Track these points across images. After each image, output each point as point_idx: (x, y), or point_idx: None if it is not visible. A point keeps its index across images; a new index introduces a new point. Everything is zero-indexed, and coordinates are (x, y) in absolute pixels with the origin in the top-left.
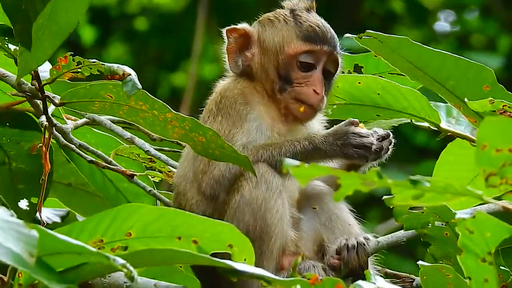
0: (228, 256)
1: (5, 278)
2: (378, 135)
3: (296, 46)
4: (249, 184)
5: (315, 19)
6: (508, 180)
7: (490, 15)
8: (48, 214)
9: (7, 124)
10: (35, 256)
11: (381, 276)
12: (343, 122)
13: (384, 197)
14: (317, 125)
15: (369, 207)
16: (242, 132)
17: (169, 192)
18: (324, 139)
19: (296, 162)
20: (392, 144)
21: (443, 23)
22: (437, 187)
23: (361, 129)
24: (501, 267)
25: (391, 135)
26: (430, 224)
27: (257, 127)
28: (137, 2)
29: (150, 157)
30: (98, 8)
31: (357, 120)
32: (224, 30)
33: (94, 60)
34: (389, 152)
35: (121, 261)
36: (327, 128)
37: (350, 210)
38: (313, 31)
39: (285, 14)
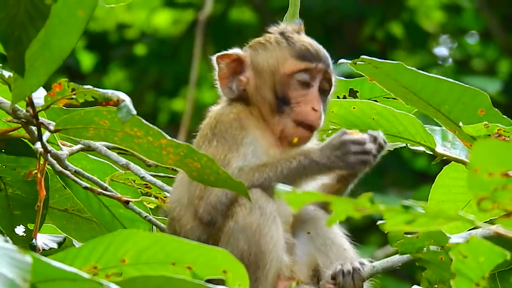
0: (222, 282)
1: None
2: (372, 137)
3: (292, 65)
4: (243, 211)
5: (307, 39)
6: (500, 205)
7: (490, 39)
8: (45, 240)
9: (3, 150)
10: (29, 282)
11: None
12: (335, 134)
13: (379, 222)
14: (311, 145)
15: (369, 232)
16: (238, 156)
17: (165, 218)
18: (320, 152)
19: (288, 188)
20: (386, 141)
21: (443, 48)
22: (430, 212)
23: (356, 135)
24: None
25: (381, 132)
26: (425, 249)
27: (253, 151)
28: (136, 28)
29: (145, 183)
30: (96, 34)
31: (346, 130)
32: (214, 57)
33: (89, 86)
34: (382, 152)
35: (115, 287)
36: None
37: (345, 234)
38: (306, 50)
39: (276, 37)
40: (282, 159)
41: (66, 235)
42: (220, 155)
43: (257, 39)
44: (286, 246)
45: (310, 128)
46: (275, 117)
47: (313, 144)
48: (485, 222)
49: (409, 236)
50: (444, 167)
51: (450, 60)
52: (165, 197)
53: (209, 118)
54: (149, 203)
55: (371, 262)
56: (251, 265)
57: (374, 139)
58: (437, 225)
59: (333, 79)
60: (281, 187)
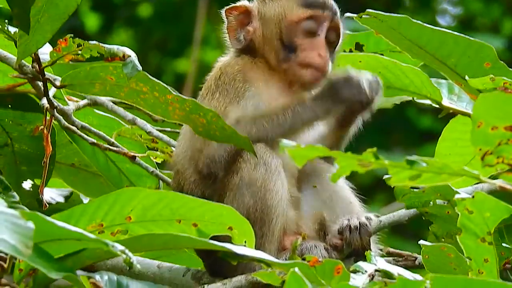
0: (228, 239)
1: (5, 265)
2: (364, 76)
3: (299, 12)
4: (247, 166)
5: None
6: (505, 159)
7: None
8: (52, 194)
9: (9, 106)
10: (31, 248)
11: (382, 255)
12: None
13: (385, 177)
14: None
15: (374, 191)
16: (237, 108)
17: (172, 173)
18: (315, 97)
19: (292, 143)
20: (381, 85)
21: (446, 8)
22: (434, 167)
23: (345, 73)
24: (503, 245)
25: (378, 77)
26: (431, 203)
27: (254, 105)
28: None
29: (152, 137)
30: None
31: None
32: (223, 10)
33: (94, 42)
34: (379, 94)
35: (120, 247)
36: None
37: (351, 188)
38: None
39: None
40: (278, 109)
41: (72, 189)
42: (221, 107)
43: None
44: (292, 200)
45: (317, 69)
46: (282, 64)
47: None
48: (490, 176)
49: (415, 190)
50: (450, 120)
51: (453, 20)
52: (171, 152)
53: (215, 69)
54: (155, 158)
55: (378, 217)
56: (257, 221)
57: (367, 80)
58: (442, 180)
59: (341, 30)
60: (285, 141)
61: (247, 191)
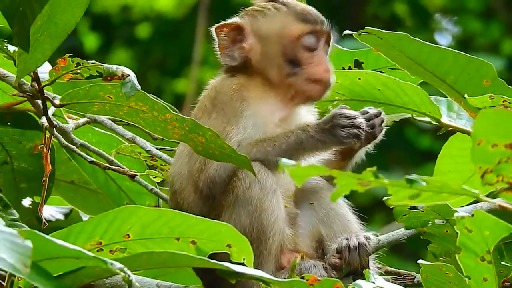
0: (227, 256)
1: (4, 283)
2: (368, 114)
3: (298, 28)
4: (242, 185)
5: (302, 4)
6: (504, 178)
7: (493, 17)
8: (51, 212)
9: (8, 123)
10: (29, 266)
11: (381, 274)
12: (333, 109)
13: (384, 198)
14: (310, 117)
15: (374, 210)
16: (237, 129)
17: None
18: (316, 126)
19: (292, 162)
20: (385, 121)
21: (445, 27)
22: (434, 186)
23: (349, 110)
24: (502, 263)
25: (383, 112)
26: (430, 222)
27: (253, 124)
28: (140, 9)
29: (151, 156)
30: (100, 15)
31: (346, 106)
32: (213, 28)
33: (93, 61)
34: (382, 131)
35: (118, 265)
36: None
37: (349, 206)
38: (308, 13)
39: (272, 3)
40: (280, 134)
41: (72, 206)
42: (219, 128)
43: (251, 7)
44: (289, 217)
45: (324, 84)
46: (286, 80)
47: (311, 112)
48: (489, 194)
49: (414, 210)
50: (449, 138)
51: (452, 40)
52: None
53: (209, 89)
54: (155, 177)
55: (376, 236)
56: (254, 240)
57: (370, 116)
58: (442, 199)
59: (331, 43)
60: (285, 160)
61: (243, 210)
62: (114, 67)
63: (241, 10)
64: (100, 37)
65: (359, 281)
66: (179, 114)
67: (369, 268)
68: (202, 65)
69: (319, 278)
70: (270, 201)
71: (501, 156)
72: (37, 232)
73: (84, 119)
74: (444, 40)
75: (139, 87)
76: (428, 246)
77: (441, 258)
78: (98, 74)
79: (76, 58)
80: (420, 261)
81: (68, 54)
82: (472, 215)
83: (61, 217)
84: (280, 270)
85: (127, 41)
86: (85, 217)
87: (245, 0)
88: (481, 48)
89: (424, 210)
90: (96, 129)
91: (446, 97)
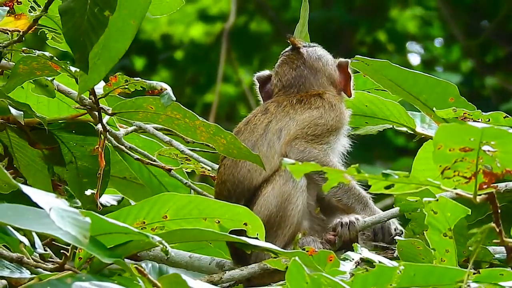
0: (243, 232)
1: (68, 254)
2: (393, 231)
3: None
4: (280, 181)
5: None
6: (460, 173)
7: (453, 43)
8: (107, 199)
9: (73, 131)
10: (88, 238)
11: (367, 248)
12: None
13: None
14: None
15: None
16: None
17: (202, 184)
18: (374, 210)
19: (291, 161)
20: (401, 231)
21: (415, 51)
22: (404, 179)
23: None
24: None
25: (403, 232)
26: (419, 209)
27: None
28: (177, 37)
29: (185, 156)
30: (145, 43)
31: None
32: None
33: (138, 78)
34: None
35: (157, 238)
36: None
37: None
38: None
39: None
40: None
41: (124, 196)
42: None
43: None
44: (308, 210)
45: None
46: None
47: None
48: (455, 187)
49: (410, 200)
50: (424, 143)
51: (419, 60)
52: (201, 167)
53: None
54: (186, 169)
55: (363, 218)
56: (275, 224)
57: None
58: (411, 189)
59: None
60: (286, 159)
61: (274, 200)
62: (154, 83)
63: (257, 40)
64: (146, 59)
65: (349, 252)
66: (205, 121)
67: (357, 242)
68: (224, 82)
69: (316, 250)
70: (298, 197)
71: (456, 157)
72: (94, 213)
73: (132, 127)
74: (415, 60)
75: (174, 99)
76: (408, 224)
77: (417, 236)
78: (142, 89)
79: (125, 75)
80: (396, 237)
81: (119, 73)
82: (437, 200)
83: (115, 203)
84: (287, 246)
85: (167, 62)
86: (133, 203)
87: (260, 29)
88: (444, 67)
89: (418, 200)
90: (142, 136)
91: (420, 111)
